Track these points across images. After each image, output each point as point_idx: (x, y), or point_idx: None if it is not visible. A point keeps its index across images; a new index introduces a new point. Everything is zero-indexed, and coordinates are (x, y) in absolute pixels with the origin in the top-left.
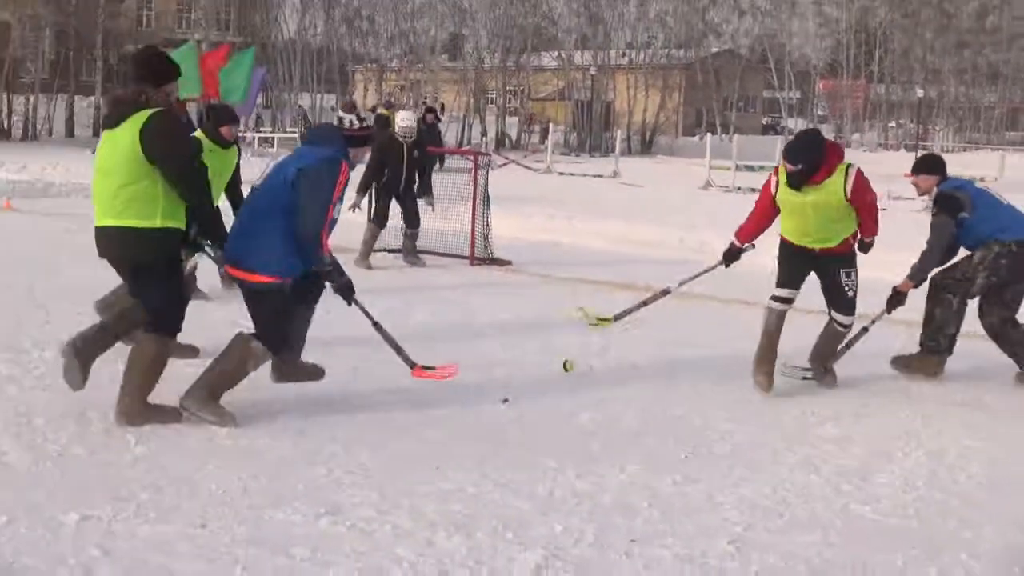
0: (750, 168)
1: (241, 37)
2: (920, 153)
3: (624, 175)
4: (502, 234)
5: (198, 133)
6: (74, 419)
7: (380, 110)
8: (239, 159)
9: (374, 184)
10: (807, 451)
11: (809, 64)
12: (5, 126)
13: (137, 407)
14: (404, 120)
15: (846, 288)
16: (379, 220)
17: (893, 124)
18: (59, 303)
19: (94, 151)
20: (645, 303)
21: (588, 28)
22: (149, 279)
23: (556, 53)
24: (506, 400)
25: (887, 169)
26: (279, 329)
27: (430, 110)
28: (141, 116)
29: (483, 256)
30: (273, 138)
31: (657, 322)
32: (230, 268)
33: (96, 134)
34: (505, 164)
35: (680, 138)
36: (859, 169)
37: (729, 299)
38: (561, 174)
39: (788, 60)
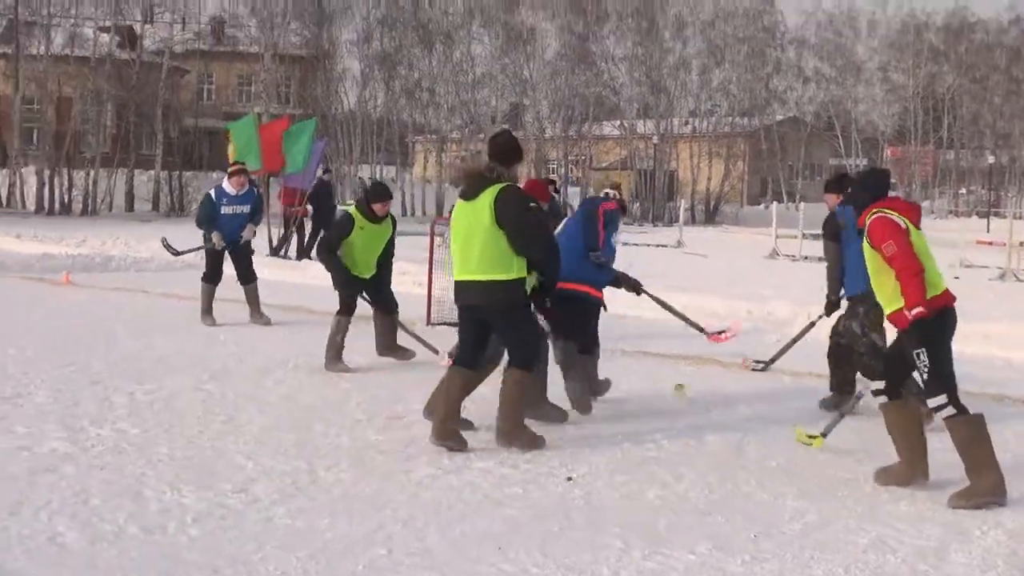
0: (818, 236)
1: (301, 109)
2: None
3: (688, 244)
4: None
5: (352, 210)
6: (131, 498)
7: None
8: (393, 232)
9: None
10: (880, 530)
11: (876, 131)
12: (66, 200)
13: (515, 431)
14: None
15: (919, 369)
16: None
17: (963, 191)
18: (116, 379)
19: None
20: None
21: (650, 97)
22: (510, 321)
23: (618, 122)
24: (571, 478)
25: (958, 236)
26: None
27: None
28: (494, 189)
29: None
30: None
31: (724, 396)
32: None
33: (155, 208)
34: None
35: (745, 207)
36: (880, 216)
37: (800, 372)
38: (624, 244)
39: (855, 127)
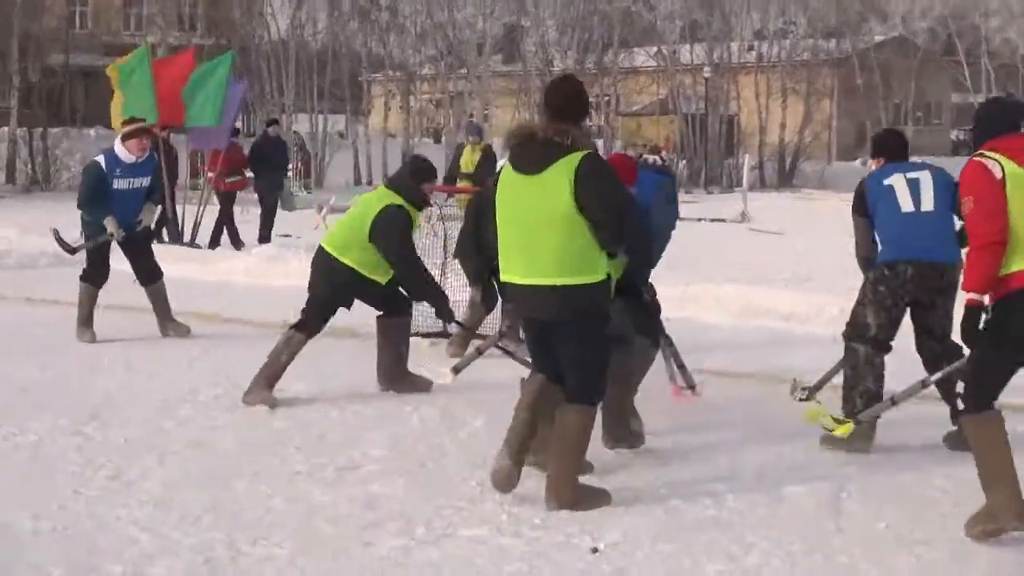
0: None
1: (212, 39)
2: None
3: (755, 218)
4: None
5: (397, 200)
6: None
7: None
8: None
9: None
10: None
11: (1016, 54)
12: None
13: (571, 491)
14: None
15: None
16: (489, 300)
17: None
18: None
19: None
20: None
21: (699, 13)
22: (586, 337)
23: (655, 49)
24: (596, 549)
25: None
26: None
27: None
28: (572, 159)
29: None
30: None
31: (809, 431)
32: None
33: (9, 179)
34: None
35: (834, 163)
36: (974, 161)
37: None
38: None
39: (985, 50)
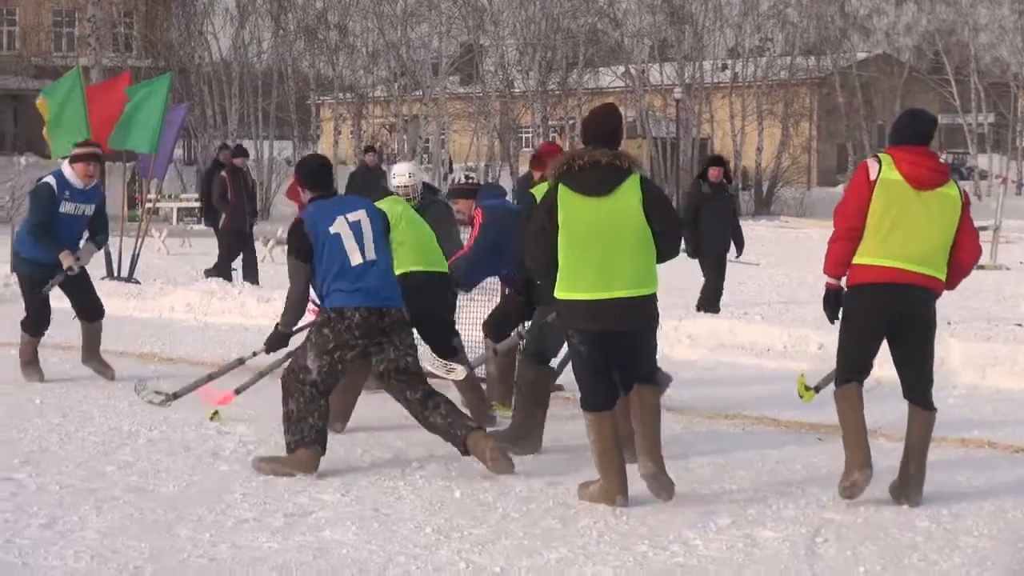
0: None
1: (149, 60)
2: None
3: (730, 248)
4: None
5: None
6: None
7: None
8: None
9: None
10: None
11: (1007, 72)
12: None
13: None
14: (402, 176)
15: None
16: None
17: None
18: None
19: None
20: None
21: (669, 30)
22: (651, 339)
23: (622, 68)
24: None
25: None
26: None
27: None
28: (635, 180)
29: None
30: (197, 208)
31: (785, 468)
32: None
33: None
34: None
35: (814, 189)
36: (863, 161)
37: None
38: None
39: (975, 68)
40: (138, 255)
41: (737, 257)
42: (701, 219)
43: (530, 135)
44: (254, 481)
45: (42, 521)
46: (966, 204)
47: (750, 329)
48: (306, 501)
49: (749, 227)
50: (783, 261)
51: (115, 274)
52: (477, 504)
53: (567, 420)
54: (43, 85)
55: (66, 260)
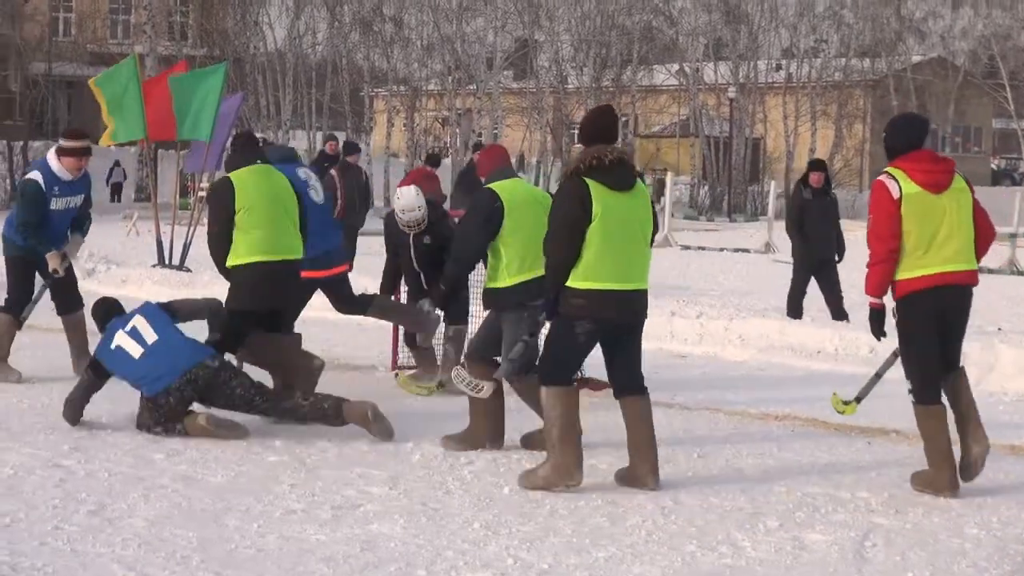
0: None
1: (204, 49)
2: None
3: (781, 249)
4: None
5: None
6: None
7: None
8: None
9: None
10: None
11: None
12: None
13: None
14: (406, 204)
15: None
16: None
17: None
18: None
19: None
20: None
21: (724, 29)
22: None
23: (677, 67)
24: None
25: None
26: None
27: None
28: (639, 181)
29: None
30: None
31: (835, 470)
32: None
33: None
34: None
35: (865, 191)
36: (878, 180)
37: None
38: (686, 248)
39: None
40: (190, 243)
41: (839, 262)
42: (805, 225)
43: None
44: (302, 472)
45: (90, 508)
46: (972, 190)
47: (800, 331)
48: (354, 494)
49: None
50: None
51: (166, 262)
52: (526, 500)
53: (617, 418)
54: (98, 72)
55: (53, 261)
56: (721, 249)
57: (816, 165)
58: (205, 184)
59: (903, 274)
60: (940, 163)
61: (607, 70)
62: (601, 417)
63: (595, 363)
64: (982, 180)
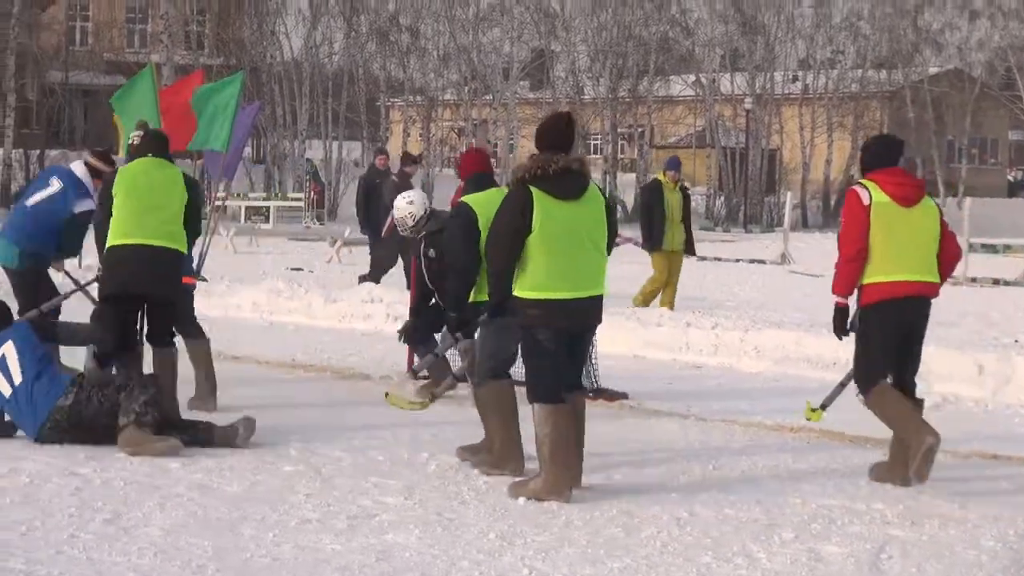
0: (991, 249)
1: (221, 58)
2: None
3: (797, 260)
4: (613, 351)
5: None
6: None
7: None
8: None
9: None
10: None
11: None
12: None
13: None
14: (404, 207)
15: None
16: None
17: None
18: None
19: None
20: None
21: (741, 40)
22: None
23: (693, 78)
24: None
25: None
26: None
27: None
28: (593, 188)
29: (583, 386)
30: (268, 207)
31: (851, 477)
32: None
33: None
34: (620, 244)
35: None
36: (850, 188)
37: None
38: (702, 259)
39: None
40: (206, 252)
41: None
42: None
43: (599, 142)
44: (318, 482)
45: (106, 516)
46: (941, 212)
47: (816, 342)
48: (369, 504)
49: (815, 239)
50: None
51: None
52: (541, 511)
53: (633, 429)
54: (115, 81)
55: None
56: (737, 260)
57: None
58: (221, 193)
59: (869, 279)
60: (910, 179)
61: (623, 81)
62: (617, 428)
63: (609, 373)
64: (999, 192)
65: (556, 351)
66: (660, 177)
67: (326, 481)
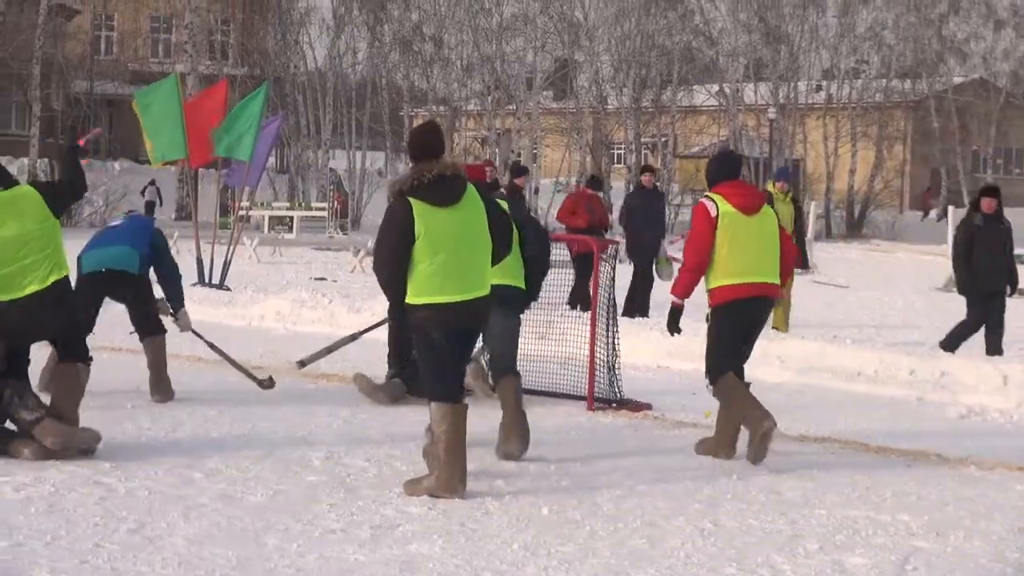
0: (1017, 259)
1: (244, 68)
2: None
3: (821, 269)
4: (636, 362)
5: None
6: None
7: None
8: None
9: None
10: None
11: None
12: None
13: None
14: None
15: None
16: None
17: None
18: None
19: None
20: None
21: (765, 49)
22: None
23: (716, 87)
24: None
25: None
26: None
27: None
28: (472, 191)
29: (607, 397)
30: (291, 217)
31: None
32: None
33: None
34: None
35: (906, 213)
36: (698, 202)
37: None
38: None
39: None
40: (229, 262)
41: (1010, 295)
42: (973, 253)
43: (622, 151)
44: (341, 492)
45: (131, 526)
46: (778, 218)
47: (840, 352)
48: (393, 514)
49: (839, 249)
50: (873, 284)
51: (206, 280)
52: (564, 522)
53: (656, 439)
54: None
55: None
56: None
57: (988, 191)
58: (245, 203)
59: (718, 282)
60: (750, 190)
61: (647, 90)
62: (640, 439)
63: (633, 384)
64: (1023, 202)
65: (450, 350)
66: (770, 188)
67: (350, 491)
